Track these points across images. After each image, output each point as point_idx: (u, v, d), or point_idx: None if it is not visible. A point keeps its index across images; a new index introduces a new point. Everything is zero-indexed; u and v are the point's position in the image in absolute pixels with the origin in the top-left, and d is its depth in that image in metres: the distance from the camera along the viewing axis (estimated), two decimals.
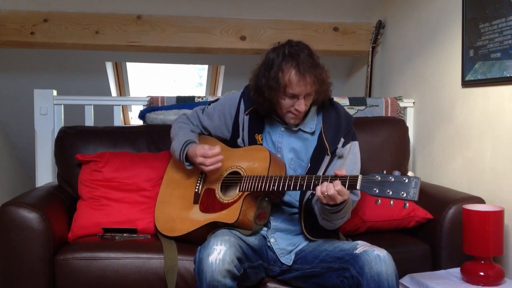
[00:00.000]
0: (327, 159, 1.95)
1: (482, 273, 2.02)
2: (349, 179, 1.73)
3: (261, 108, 2.04)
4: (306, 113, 2.04)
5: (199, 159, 2.01)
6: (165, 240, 2.13)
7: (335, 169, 1.93)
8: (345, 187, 1.73)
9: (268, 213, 1.99)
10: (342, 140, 1.96)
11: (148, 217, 2.28)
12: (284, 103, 1.95)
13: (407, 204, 1.65)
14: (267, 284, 2.00)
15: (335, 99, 2.15)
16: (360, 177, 1.72)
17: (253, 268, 1.93)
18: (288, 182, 1.86)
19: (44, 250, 2.03)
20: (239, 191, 1.97)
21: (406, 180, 1.64)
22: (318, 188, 1.76)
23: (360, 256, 1.77)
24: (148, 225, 2.28)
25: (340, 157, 1.97)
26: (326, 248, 1.93)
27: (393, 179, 1.66)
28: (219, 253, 1.73)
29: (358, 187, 1.71)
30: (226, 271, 1.72)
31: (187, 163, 2.10)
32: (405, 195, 1.63)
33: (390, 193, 1.65)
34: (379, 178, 1.68)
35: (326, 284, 1.89)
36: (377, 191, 1.67)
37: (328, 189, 1.73)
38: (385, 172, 1.69)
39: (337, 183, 1.73)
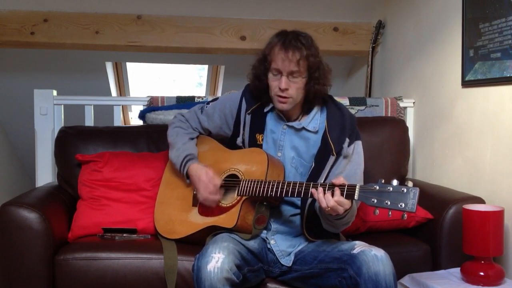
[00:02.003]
0: (332, 159, 1.93)
1: (482, 273, 2.02)
2: (347, 189, 1.71)
3: (258, 91, 2.05)
4: (309, 111, 2.03)
5: (203, 193, 2.01)
6: (165, 240, 2.13)
7: (339, 169, 1.93)
8: (342, 196, 1.70)
9: (267, 217, 1.98)
10: (347, 140, 1.95)
11: (148, 217, 2.28)
12: (271, 83, 1.96)
13: (405, 215, 1.62)
14: (267, 284, 2.00)
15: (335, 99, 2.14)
16: (358, 186, 1.69)
17: (253, 272, 1.92)
18: (286, 188, 1.84)
19: (44, 250, 2.03)
20: (237, 195, 1.96)
21: (405, 191, 1.61)
22: (322, 200, 1.73)
23: (358, 256, 1.76)
24: (148, 225, 2.28)
25: (346, 157, 1.95)
26: (325, 248, 1.93)
27: (391, 189, 1.63)
28: (217, 261, 1.71)
29: (356, 197, 1.68)
30: (225, 279, 1.71)
31: (188, 180, 2.11)
32: (403, 206, 1.60)
33: (388, 203, 1.62)
34: (377, 188, 1.65)
35: (325, 284, 1.88)
36: (375, 201, 1.65)
37: (327, 201, 1.71)
38: (383, 181, 1.67)
39: (337, 193, 1.71)
